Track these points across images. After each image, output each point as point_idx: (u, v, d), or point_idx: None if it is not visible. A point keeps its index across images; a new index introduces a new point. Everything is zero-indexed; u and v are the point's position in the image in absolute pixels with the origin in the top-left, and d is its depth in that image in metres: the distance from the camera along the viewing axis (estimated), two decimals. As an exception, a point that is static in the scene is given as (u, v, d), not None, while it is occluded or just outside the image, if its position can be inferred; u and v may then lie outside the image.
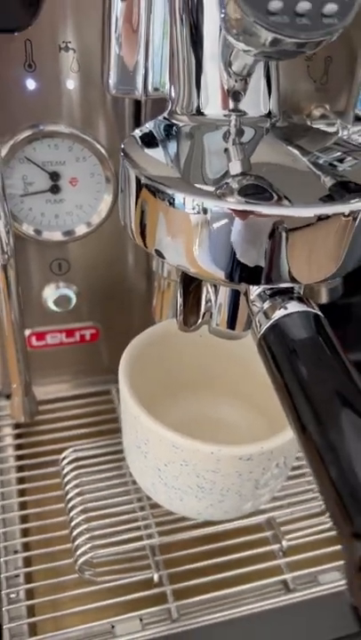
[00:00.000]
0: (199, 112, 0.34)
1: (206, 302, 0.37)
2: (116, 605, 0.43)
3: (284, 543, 0.47)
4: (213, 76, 0.34)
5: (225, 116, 0.34)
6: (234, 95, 0.34)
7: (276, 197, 0.28)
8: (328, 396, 0.25)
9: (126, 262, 0.53)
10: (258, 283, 0.30)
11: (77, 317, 0.55)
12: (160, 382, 0.48)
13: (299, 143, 0.34)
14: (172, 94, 0.36)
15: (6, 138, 0.43)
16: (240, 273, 0.29)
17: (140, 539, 0.46)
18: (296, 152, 0.33)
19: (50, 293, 0.51)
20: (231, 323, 0.37)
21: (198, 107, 0.34)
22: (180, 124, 0.34)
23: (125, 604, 0.43)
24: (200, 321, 0.38)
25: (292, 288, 0.29)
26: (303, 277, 0.30)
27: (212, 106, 0.34)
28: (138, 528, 0.46)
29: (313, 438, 0.24)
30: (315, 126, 0.45)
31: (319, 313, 0.28)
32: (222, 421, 0.51)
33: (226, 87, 0.34)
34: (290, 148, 0.33)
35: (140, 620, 0.43)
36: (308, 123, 0.46)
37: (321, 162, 0.32)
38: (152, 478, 0.41)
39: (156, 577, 0.44)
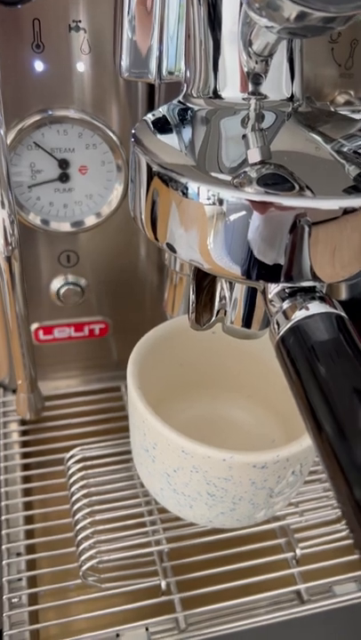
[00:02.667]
0: (216, 95, 0.32)
1: (220, 299, 0.35)
2: (122, 613, 0.41)
3: (298, 551, 0.45)
4: (232, 58, 0.31)
5: (244, 99, 0.31)
6: (254, 78, 0.31)
7: (297, 188, 0.26)
8: (351, 405, 0.23)
9: (137, 255, 0.51)
10: (277, 280, 0.27)
11: (86, 311, 0.53)
12: (171, 381, 0.46)
13: (321, 129, 0.32)
14: (188, 76, 0.34)
15: (13, 123, 0.40)
16: (258, 270, 0.27)
17: (147, 544, 0.44)
18: (319, 139, 0.31)
19: (58, 286, 0.49)
20: (247, 321, 0.35)
21: (215, 89, 0.32)
22: (196, 108, 0.32)
23: (131, 612, 0.41)
24: (214, 319, 0.36)
25: (314, 287, 0.27)
26: (326, 276, 0.27)
27: (231, 88, 0.31)
28: (145, 533, 0.45)
29: (333, 447, 0.23)
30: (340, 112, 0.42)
31: (343, 314, 0.26)
32: (236, 422, 0.49)
33: (245, 69, 0.31)
34: (312, 134, 0.31)
35: (147, 629, 0.41)
36: (332, 109, 0.43)
37: (345, 150, 0.30)
38: (160, 483, 0.39)
39: (163, 584, 0.42)
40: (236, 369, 0.48)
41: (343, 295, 0.53)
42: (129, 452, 0.48)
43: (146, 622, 0.41)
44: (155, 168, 0.28)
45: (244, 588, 0.43)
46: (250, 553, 0.44)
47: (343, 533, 0.46)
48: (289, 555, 0.45)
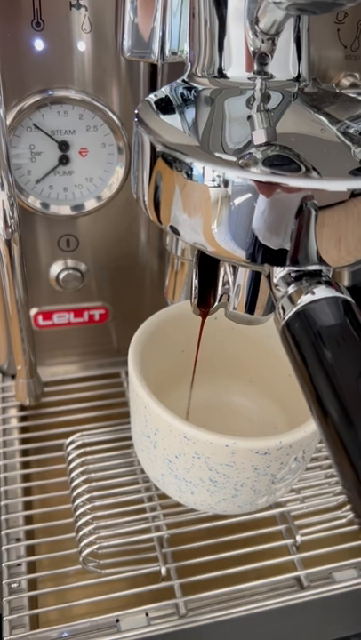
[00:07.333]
0: (221, 74, 0.31)
1: (224, 284, 0.34)
2: (122, 598, 0.41)
3: (298, 538, 0.45)
4: (238, 36, 0.31)
5: (250, 78, 0.31)
6: (260, 57, 0.30)
7: (304, 169, 0.26)
8: (357, 390, 0.23)
9: (138, 239, 0.50)
10: (282, 264, 0.27)
11: (86, 297, 0.52)
12: (173, 367, 0.46)
13: (327, 110, 0.31)
14: (192, 56, 0.33)
15: (13, 103, 0.40)
16: (263, 253, 0.27)
17: (147, 530, 0.44)
18: (325, 120, 0.30)
19: (57, 271, 0.49)
20: (250, 307, 0.34)
21: (220, 68, 0.31)
22: (200, 88, 0.31)
23: (131, 598, 0.41)
24: (216, 304, 0.35)
25: (321, 271, 0.27)
26: (333, 260, 0.27)
27: (236, 67, 0.31)
28: (146, 519, 0.44)
29: (339, 433, 0.22)
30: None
31: (350, 299, 0.26)
32: (237, 408, 0.49)
33: (251, 48, 0.30)
34: (318, 115, 0.31)
35: (146, 614, 0.41)
36: (338, 91, 0.42)
37: (351, 131, 0.29)
38: (162, 469, 0.39)
39: (163, 570, 0.42)
40: (237, 355, 0.47)
41: (345, 282, 0.52)
42: (129, 439, 0.48)
43: (146, 608, 0.41)
44: (159, 148, 0.27)
45: (245, 574, 0.43)
46: (250, 539, 0.44)
47: (344, 520, 0.46)
48: (289, 541, 0.45)
